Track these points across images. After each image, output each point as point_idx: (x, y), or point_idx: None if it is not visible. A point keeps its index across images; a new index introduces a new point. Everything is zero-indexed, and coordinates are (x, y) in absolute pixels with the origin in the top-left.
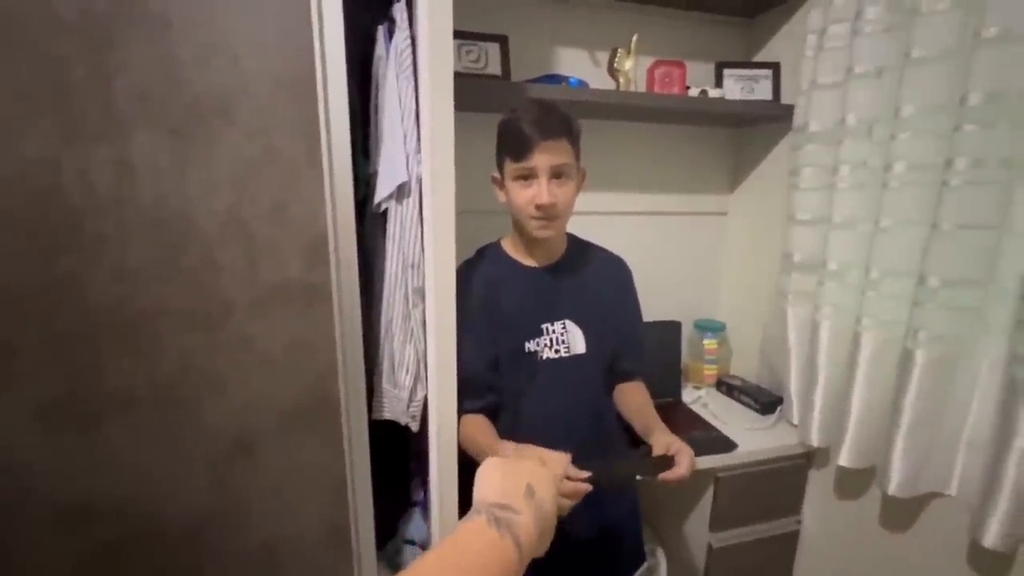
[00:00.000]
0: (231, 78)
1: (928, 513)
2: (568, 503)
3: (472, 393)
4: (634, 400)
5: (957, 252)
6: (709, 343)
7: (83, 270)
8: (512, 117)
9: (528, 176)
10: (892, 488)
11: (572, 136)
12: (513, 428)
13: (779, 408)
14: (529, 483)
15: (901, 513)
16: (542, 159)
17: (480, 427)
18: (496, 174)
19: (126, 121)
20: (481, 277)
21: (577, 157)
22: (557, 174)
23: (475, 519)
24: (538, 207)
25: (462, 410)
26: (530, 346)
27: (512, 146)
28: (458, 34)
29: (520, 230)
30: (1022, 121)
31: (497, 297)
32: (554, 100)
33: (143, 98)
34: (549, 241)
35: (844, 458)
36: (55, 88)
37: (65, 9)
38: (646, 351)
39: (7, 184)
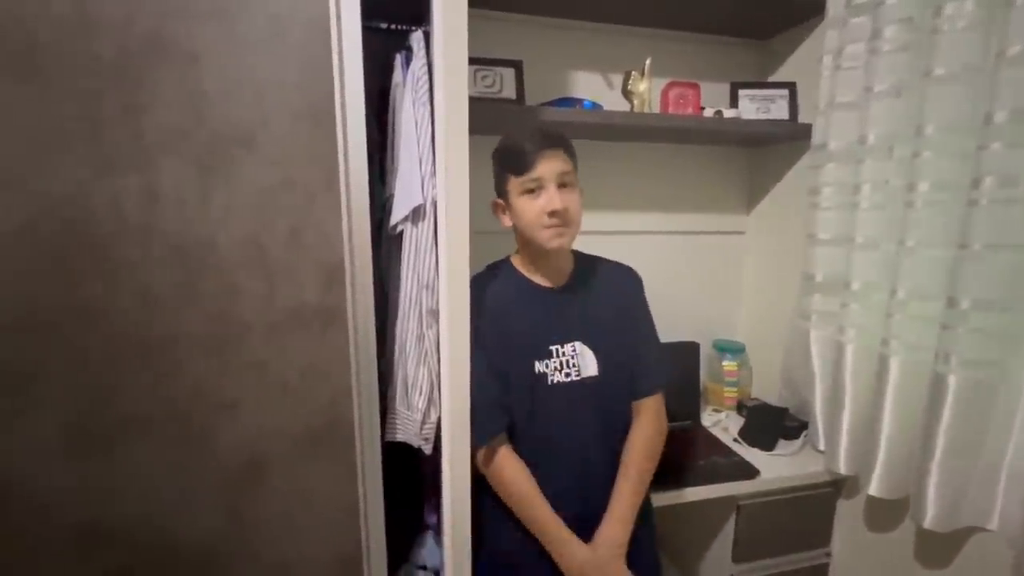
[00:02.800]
0: (254, 110)
1: (968, 549)
2: None
3: (493, 413)
4: (628, 444)
5: (988, 273)
6: (729, 365)
7: (107, 296)
8: (507, 138)
9: (535, 188)
10: (928, 521)
11: (568, 148)
12: (518, 453)
13: (804, 433)
14: None
15: (938, 548)
16: (546, 168)
17: (526, 478)
18: (498, 200)
19: (155, 152)
20: (493, 294)
21: (575, 170)
22: (562, 183)
23: None
24: (551, 213)
25: (487, 431)
26: (539, 367)
27: (514, 163)
28: (473, 60)
29: (530, 248)
30: None
31: (508, 314)
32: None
33: (171, 130)
34: (560, 253)
35: (875, 488)
36: (90, 121)
37: (104, 48)
38: (662, 363)
39: (41, 212)
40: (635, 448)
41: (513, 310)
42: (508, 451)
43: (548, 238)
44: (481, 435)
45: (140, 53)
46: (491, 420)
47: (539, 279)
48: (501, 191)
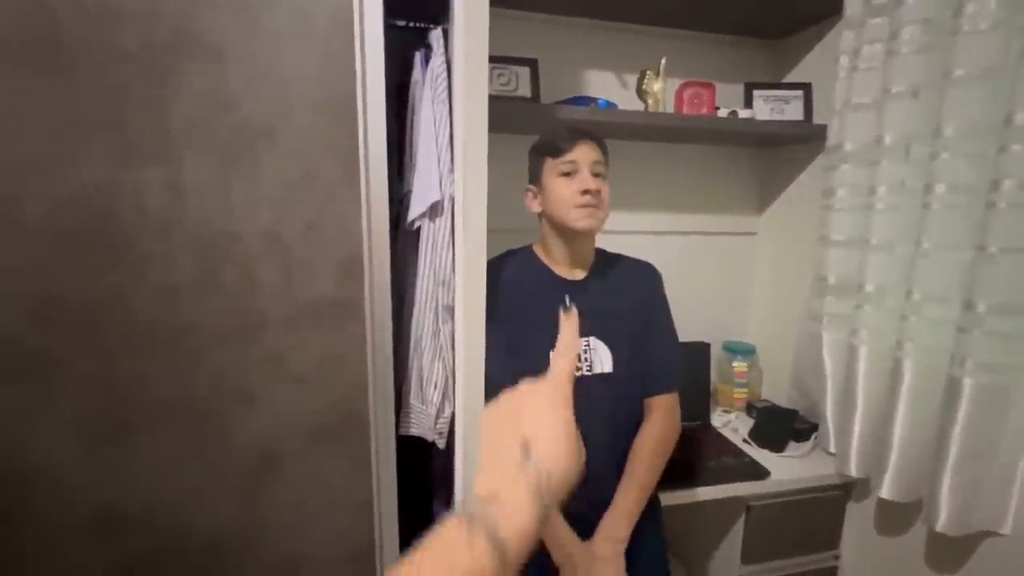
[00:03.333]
0: (276, 103)
1: (980, 554)
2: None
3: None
4: (638, 439)
5: (1005, 276)
6: (739, 366)
7: (129, 286)
8: (549, 129)
9: (571, 172)
10: (940, 525)
11: (603, 145)
12: None
13: (815, 435)
14: (525, 442)
15: (950, 552)
16: (582, 153)
17: None
18: (530, 187)
19: (178, 145)
20: (509, 278)
21: (607, 167)
22: (595, 173)
23: (452, 518)
24: (584, 192)
25: None
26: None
27: (553, 147)
28: (489, 58)
29: (556, 232)
30: None
31: (523, 300)
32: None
33: (194, 123)
34: (587, 240)
35: (887, 491)
36: (114, 114)
37: (129, 41)
38: (678, 362)
39: (66, 203)
40: (645, 444)
41: (529, 297)
42: None
43: (580, 217)
44: None
45: (165, 46)
46: None
47: (560, 269)
48: (535, 178)
